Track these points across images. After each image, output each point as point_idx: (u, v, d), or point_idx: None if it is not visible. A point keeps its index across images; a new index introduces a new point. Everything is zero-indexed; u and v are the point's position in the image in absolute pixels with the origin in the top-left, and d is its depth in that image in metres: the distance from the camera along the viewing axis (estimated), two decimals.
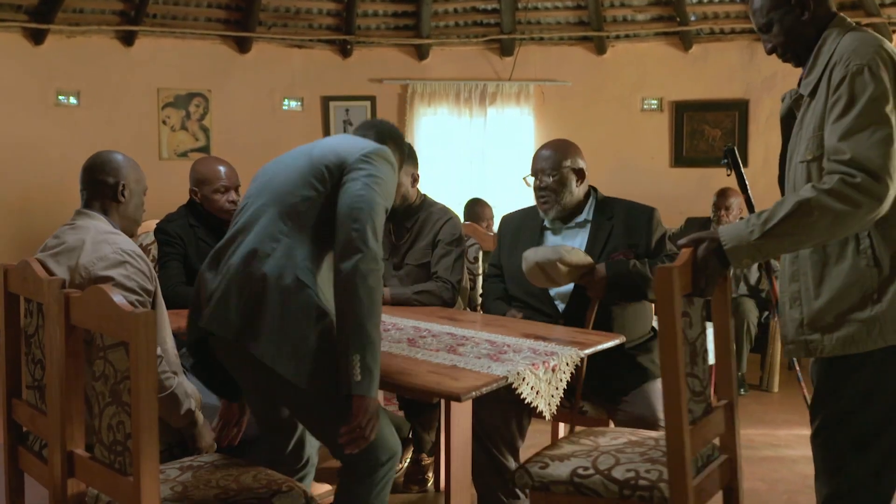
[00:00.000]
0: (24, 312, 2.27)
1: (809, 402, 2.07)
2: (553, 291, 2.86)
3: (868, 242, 1.88)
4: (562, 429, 3.45)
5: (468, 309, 3.55)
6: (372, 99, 6.43)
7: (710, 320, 2.04)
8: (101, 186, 2.43)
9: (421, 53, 6.45)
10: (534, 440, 3.19)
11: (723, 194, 5.07)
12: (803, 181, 1.94)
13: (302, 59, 6.42)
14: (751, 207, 2.30)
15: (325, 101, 6.42)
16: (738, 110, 6.14)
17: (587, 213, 2.92)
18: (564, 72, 6.41)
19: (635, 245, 2.81)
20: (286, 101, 6.40)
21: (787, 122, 2.12)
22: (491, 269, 3.15)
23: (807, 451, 2.10)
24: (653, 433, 2.30)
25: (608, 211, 2.89)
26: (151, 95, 6.06)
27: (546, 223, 2.98)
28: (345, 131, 6.36)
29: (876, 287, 1.89)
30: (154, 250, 3.37)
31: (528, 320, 2.85)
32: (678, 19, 6.12)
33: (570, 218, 2.94)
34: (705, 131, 6.24)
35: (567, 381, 2.34)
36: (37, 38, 5.68)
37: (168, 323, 2.45)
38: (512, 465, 2.73)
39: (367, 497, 2.11)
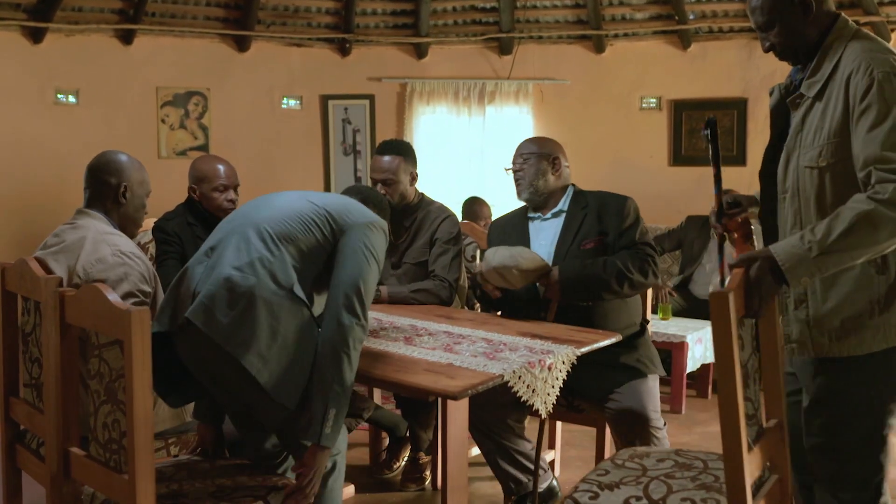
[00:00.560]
0: (21, 311, 2.27)
1: (805, 405, 2.04)
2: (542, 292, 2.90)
3: None
4: (559, 427, 3.46)
5: (465, 307, 3.55)
6: (371, 97, 6.43)
7: None
8: (104, 187, 2.42)
9: (420, 52, 6.45)
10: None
11: (724, 194, 5.04)
12: (813, 187, 1.93)
13: (301, 57, 6.41)
14: (718, 184, 2.28)
15: (324, 99, 6.42)
16: (736, 109, 6.13)
17: (563, 204, 3.01)
18: (563, 70, 6.40)
19: (605, 233, 2.87)
20: (285, 100, 6.40)
21: (776, 115, 2.11)
22: None
23: None
24: (699, 454, 2.18)
25: (583, 201, 2.98)
26: (150, 94, 6.06)
27: (529, 214, 3.06)
28: (343, 130, 6.39)
29: (883, 293, 1.90)
30: (152, 249, 3.38)
31: (524, 321, 2.85)
32: (677, 18, 6.11)
33: (548, 209, 3.02)
34: None
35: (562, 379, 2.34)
36: (35, 36, 5.68)
37: None
38: (523, 446, 2.84)
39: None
